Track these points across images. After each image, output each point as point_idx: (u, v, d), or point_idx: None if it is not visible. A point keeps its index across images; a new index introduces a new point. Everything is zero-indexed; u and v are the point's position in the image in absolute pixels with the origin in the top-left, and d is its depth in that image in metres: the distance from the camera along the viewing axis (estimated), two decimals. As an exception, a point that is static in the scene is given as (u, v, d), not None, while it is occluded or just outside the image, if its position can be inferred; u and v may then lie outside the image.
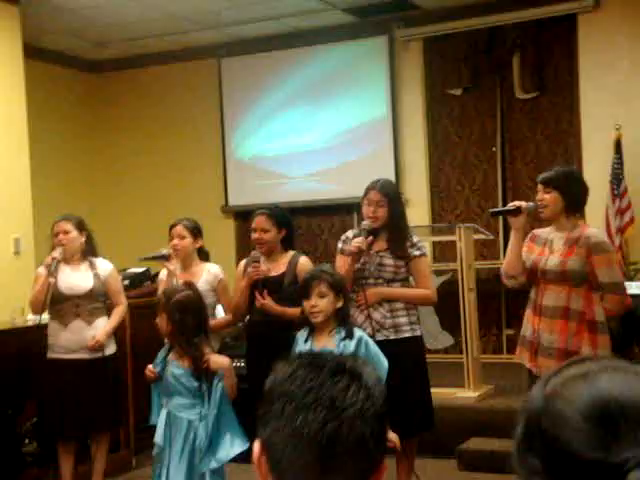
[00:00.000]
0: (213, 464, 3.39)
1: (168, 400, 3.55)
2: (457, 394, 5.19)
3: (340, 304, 3.41)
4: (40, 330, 4.38)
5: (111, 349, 4.46)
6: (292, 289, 4.02)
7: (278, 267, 4.13)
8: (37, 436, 4.76)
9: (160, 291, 4.06)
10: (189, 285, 3.83)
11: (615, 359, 0.84)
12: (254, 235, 4.13)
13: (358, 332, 3.48)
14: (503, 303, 6.80)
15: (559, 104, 6.67)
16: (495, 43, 6.77)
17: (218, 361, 3.56)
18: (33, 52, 6.68)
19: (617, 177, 6.19)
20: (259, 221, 4.12)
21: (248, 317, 4.28)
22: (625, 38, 6.34)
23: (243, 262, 4.28)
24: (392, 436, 3.28)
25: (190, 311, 3.53)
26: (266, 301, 4.01)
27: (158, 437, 3.48)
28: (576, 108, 6.56)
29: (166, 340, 3.70)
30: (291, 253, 4.18)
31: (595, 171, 6.06)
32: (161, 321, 3.55)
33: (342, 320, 3.44)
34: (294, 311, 3.90)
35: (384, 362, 3.36)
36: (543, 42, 6.65)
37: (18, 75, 5.90)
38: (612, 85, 6.35)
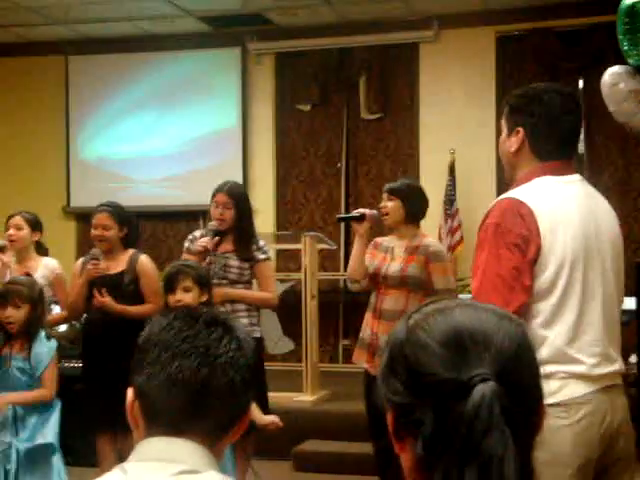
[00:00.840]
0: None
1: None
2: (294, 398, 5.33)
3: (204, 298, 3.42)
4: None
5: None
6: (132, 287, 4.03)
7: (117, 265, 4.09)
8: None
9: None
10: (30, 277, 3.78)
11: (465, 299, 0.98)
12: (94, 232, 4.07)
13: None
14: (341, 314, 7.05)
15: (400, 126, 7.04)
16: (344, 63, 7.06)
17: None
18: None
19: (450, 198, 6.62)
20: (100, 218, 4.06)
21: (85, 316, 4.22)
22: (460, 69, 6.82)
23: (80, 260, 4.22)
24: (270, 418, 3.35)
25: (42, 302, 3.51)
26: (106, 299, 3.95)
27: (4, 435, 3.42)
28: (415, 131, 6.97)
29: None
30: (131, 251, 4.14)
31: (430, 192, 6.36)
32: (17, 312, 3.47)
33: None
34: (135, 309, 3.94)
35: None
36: (388, 66, 7.01)
37: None
38: (448, 112, 6.80)
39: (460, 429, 0.82)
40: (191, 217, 7.32)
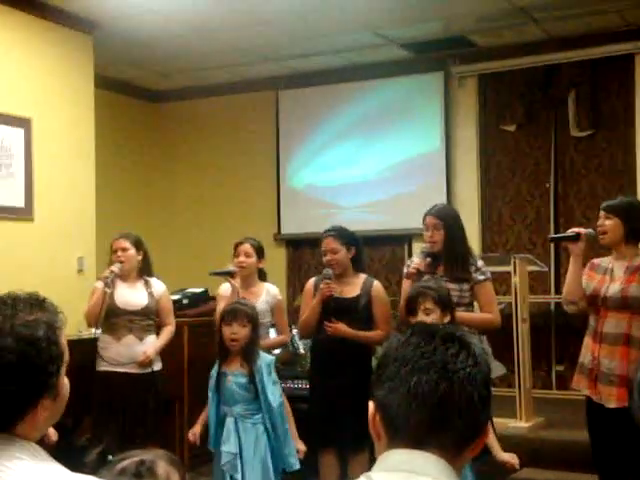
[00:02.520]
0: (295, 465, 3.54)
1: (231, 409, 3.66)
2: (509, 424, 5.19)
3: (447, 320, 3.36)
4: (93, 343, 4.50)
5: (158, 365, 4.55)
6: (366, 312, 4.05)
7: (351, 289, 4.11)
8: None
9: (221, 306, 4.20)
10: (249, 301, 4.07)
11: None
12: (326, 258, 4.11)
13: None
14: (553, 339, 6.78)
15: (614, 142, 6.71)
16: (551, 81, 6.85)
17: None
18: (99, 81, 6.90)
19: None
20: (327, 243, 4.11)
21: (314, 336, 4.23)
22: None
23: (312, 280, 4.27)
24: (508, 456, 3.23)
25: (259, 325, 3.74)
26: (339, 325, 3.98)
27: (230, 446, 3.58)
28: (631, 146, 6.60)
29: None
30: (363, 276, 4.17)
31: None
32: (242, 330, 3.69)
33: None
34: (365, 335, 3.97)
35: None
36: (599, 80, 6.72)
37: (89, 102, 6.12)
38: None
39: None
40: (396, 241, 7.40)
